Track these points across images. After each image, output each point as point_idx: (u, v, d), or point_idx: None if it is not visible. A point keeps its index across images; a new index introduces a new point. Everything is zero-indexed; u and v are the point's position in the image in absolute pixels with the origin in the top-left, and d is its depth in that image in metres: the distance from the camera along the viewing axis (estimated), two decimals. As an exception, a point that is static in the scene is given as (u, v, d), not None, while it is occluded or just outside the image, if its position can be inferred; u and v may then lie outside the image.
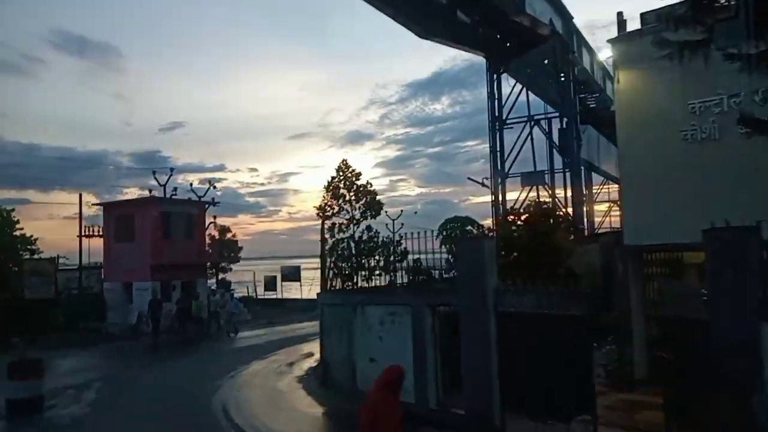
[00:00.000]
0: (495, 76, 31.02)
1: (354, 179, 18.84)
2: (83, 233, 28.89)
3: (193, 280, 28.55)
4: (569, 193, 28.55)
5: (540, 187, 29.41)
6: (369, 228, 18.19)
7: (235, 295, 33.06)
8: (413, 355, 10.24)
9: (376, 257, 17.54)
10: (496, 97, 31.05)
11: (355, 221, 18.19)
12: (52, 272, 25.62)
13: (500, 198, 30.36)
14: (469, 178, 34.86)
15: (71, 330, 25.10)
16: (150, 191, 28.63)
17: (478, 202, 67.21)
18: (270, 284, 38.60)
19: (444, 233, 21.80)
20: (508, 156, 30.74)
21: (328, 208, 18.65)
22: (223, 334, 25.65)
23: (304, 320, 28.16)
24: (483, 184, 31.92)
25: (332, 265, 17.56)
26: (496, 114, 30.98)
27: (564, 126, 28.80)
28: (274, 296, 37.99)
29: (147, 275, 26.29)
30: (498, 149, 30.76)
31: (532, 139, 30.04)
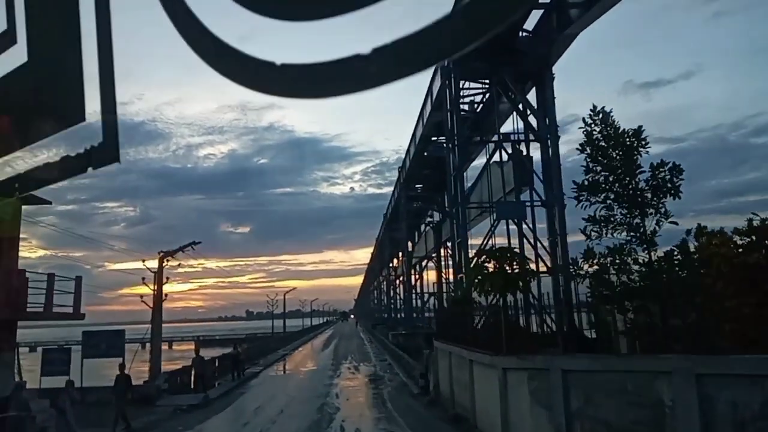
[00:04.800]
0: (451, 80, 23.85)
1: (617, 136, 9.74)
2: None
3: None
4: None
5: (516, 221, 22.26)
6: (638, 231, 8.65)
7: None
8: None
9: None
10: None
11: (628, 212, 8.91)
12: None
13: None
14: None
15: None
16: None
17: (117, 269, 53.36)
18: (56, 363, 22.72)
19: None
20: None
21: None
22: None
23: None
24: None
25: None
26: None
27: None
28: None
29: None
30: (452, 171, 23.10)
31: (501, 161, 23.18)
